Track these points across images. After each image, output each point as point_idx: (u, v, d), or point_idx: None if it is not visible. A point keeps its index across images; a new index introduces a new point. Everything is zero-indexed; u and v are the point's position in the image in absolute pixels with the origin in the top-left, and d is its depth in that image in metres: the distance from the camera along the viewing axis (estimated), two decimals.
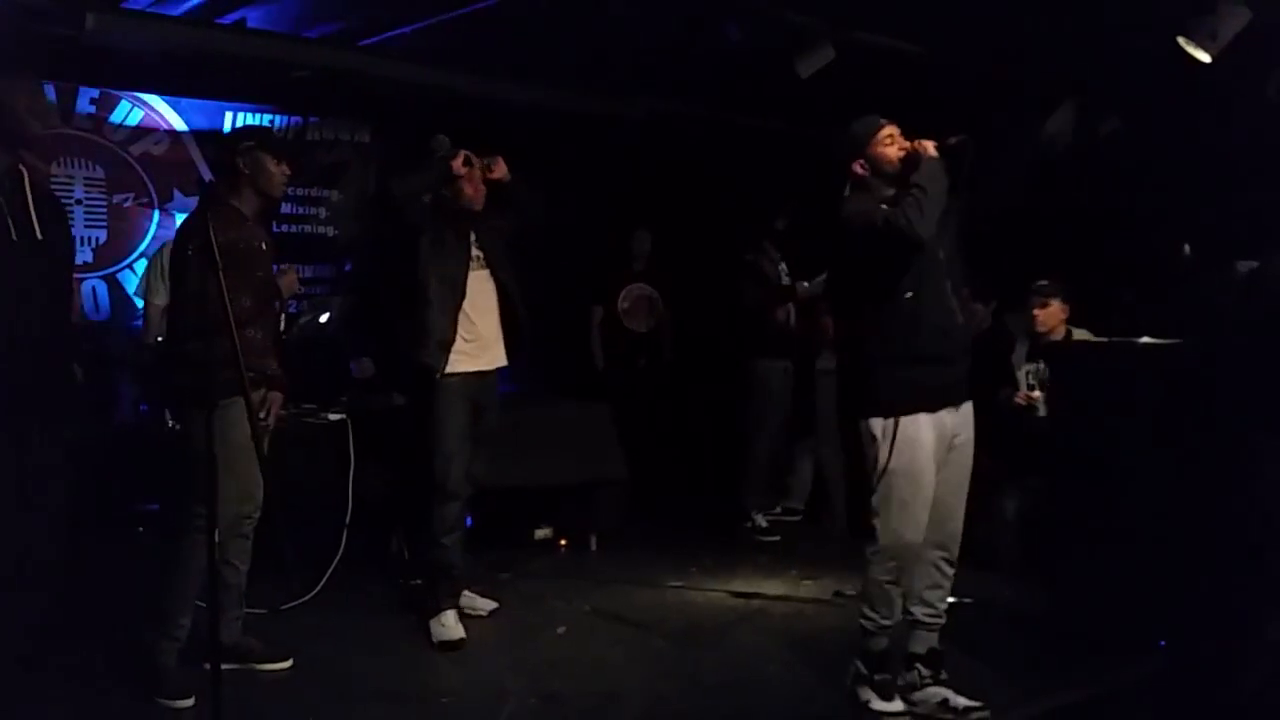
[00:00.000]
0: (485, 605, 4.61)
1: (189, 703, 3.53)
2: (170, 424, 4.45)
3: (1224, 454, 3.83)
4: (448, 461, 4.30)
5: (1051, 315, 5.29)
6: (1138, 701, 3.78)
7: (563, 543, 5.81)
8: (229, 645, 3.62)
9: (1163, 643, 4.02)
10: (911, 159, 3.48)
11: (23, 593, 3.17)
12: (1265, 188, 4.83)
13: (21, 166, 3.21)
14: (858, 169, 3.57)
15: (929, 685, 3.53)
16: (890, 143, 3.54)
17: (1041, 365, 5.34)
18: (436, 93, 6.03)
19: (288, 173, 3.83)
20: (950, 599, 3.64)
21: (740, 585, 5.12)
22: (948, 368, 3.50)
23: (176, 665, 3.62)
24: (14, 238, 3.13)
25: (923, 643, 3.56)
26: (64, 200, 5.56)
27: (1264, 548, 3.65)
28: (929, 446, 3.42)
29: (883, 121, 3.57)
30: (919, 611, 3.55)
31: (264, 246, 3.82)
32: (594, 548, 5.78)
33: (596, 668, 4.04)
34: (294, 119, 6.33)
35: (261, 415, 3.72)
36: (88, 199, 5.58)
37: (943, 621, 3.58)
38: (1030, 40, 5.21)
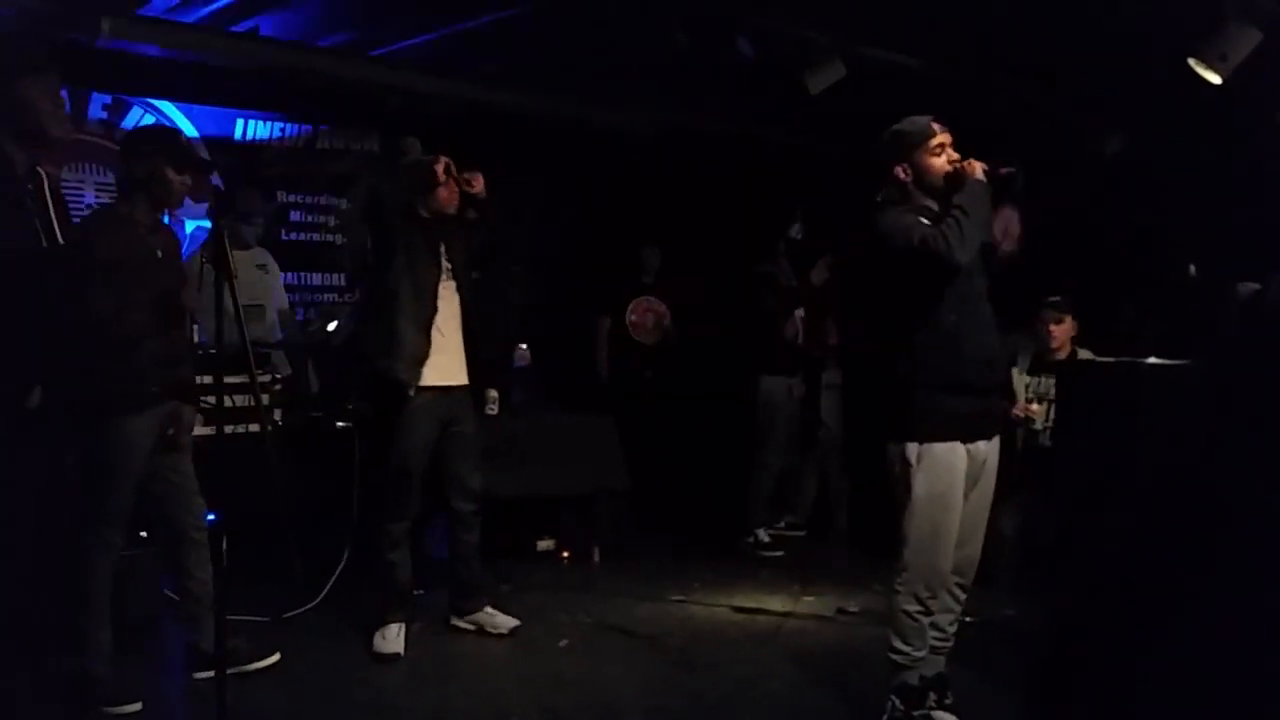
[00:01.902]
0: (506, 623, 4.51)
1: (137, 706, 3.48)
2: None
3: (1228, 476, 3.82)
4: (401, 478, 4.23)
5: (1065, 331, 5.33)
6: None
7: (565, 555, 5.80)
8: (214, 654, 3.50)
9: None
10: (956, 176, 3.33)
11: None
12: (1272, 208, 4.84)
13: (39, 169, 3.22)
14: (900, 174, 3.37)
15: (935, 710, 3.47)
16: (940, 152, 3.35)
17: (1042, 379, 5.35)
18: (446, 103, 6.06)
19: (188, 184, 3.60)
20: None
21: (742, 600, 5.11)
22: (986, 398, 3.41)
23: (110, 671, 3.54)
24: (44, 243, 3.13)
25: (931, 666, 3.48)
26: (74, 204, 5.59)
27: (1269, 568, 3.63)
28: (961, 474, 3.33)
29: (935, 127, 3.37)
30: (929, 636, 3.47)
31: (159, 255, 3.61)
32: (596, 560, 5.77)
33: (598, 682, 4.03)
34: (304, 127, 6.36)
35: (170, 431, 3.61)
36: (98, 204, 5.59)
37: (951, 645, 3.53)
38: (1037, 58, 5.22)
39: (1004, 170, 3.35)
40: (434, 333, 4.27)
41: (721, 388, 6.75)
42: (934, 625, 3.45)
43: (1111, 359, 4.55)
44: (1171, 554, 4.04)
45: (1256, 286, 4.17)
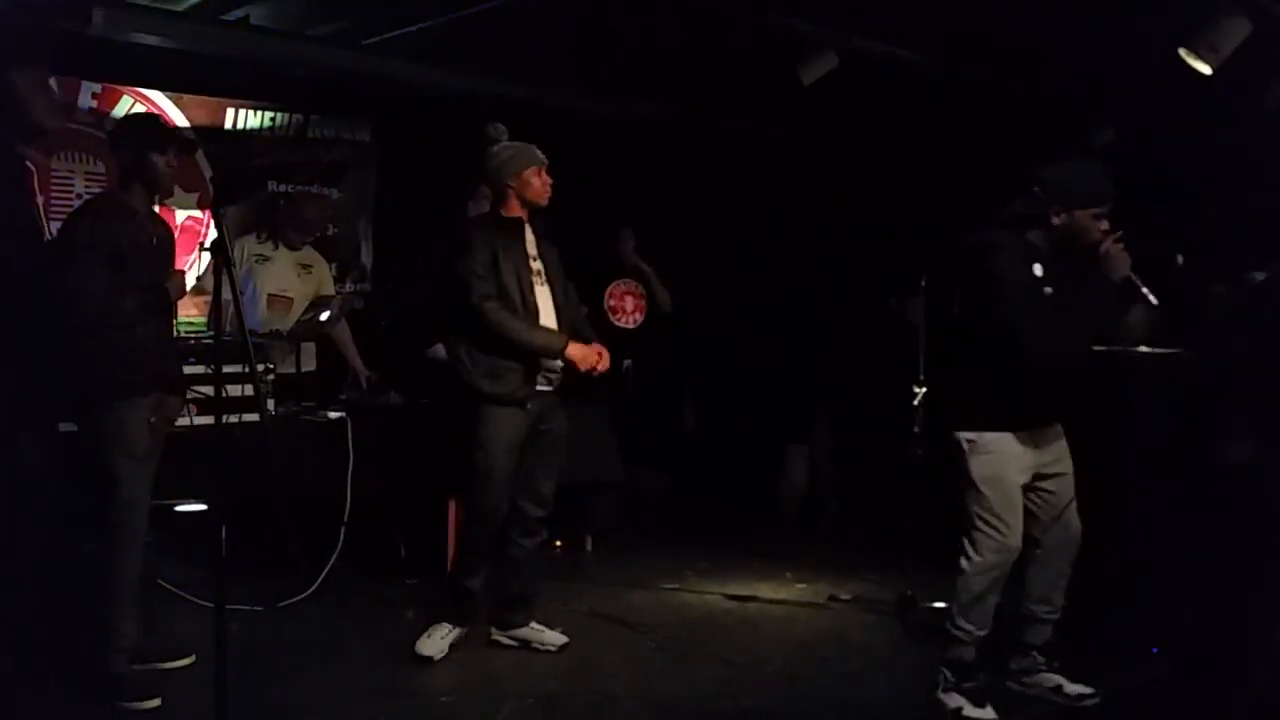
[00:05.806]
0: (555, 639, 4.23)
1: (156, 703, 3.47)
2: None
3: (1222, 462, 3.87)
4: (489, 483, 3.99)
5: None
6: (1138, 706, 3.80)
7: (558, 544, 5.81)
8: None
9: (1155, 649, 4.05)
10: (1101, 257, 3.39)
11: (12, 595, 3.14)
12: (1263, 198, 4.87)
13: (29, 162, 3.21)
14: (1054, 218, 3.45)
15: (1043, 671, 3.72)
16: (1100, 221, 3.42)
17: None
18: (437, 92, 6.04)
19: (174, 168, 3.61)
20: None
21: (735, 588, 5.14)
22: (1041, 393, 3.57)
23: (130, 669, 3.56)
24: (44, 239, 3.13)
25: (1039, 635, 3.71)
26: (64, 194, 5.57)
27: (1262, 554, 3.69)
28: (1017, 457, 3.52)
29: (1109, 195, 3.45)
30: (1040, 610, 3.68)
31: (154, 242, 3.60)
32: (589, 549, 5.80)
33: (593, 670, 4.06)
34: (295, 116, 6.33)
35: (152, 419, 3.58)
36: (88, 194, 5.55)
37: (1058, 616, 3.71)
38: (1031, 49, 5.25)
39: (1145, 291, 3.43)
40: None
41: (707, 374, 6.75)
42: (1044, 600, 3.67)
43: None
44: (1168, 541, 4.09)
45: (1263, 275, 4.20)
